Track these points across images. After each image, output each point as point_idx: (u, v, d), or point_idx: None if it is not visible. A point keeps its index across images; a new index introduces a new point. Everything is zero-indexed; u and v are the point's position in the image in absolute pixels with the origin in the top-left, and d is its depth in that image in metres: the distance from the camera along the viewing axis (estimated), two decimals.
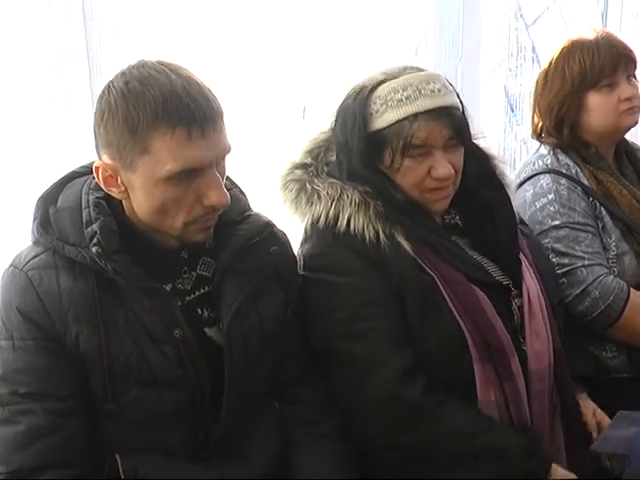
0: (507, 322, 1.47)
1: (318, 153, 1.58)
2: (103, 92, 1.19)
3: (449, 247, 1.49)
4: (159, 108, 1.13)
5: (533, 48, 2.95)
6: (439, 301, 1.43)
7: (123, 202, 1.27)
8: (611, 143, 1.96)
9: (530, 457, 1.40)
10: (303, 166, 1.55)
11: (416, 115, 1.40)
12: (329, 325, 1.46)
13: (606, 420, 1.65)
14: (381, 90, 1.44)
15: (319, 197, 1.47)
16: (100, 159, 1.22)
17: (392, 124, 1.42)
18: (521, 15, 2.94)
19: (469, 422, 1.41)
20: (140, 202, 1.22)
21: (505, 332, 1.44)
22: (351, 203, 1.44)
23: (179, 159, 1.15)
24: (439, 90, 1.42)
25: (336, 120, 1.52)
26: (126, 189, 1.22)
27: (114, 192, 1.24)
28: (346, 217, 1.43)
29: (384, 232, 1.43)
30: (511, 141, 3.04)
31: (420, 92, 1.41)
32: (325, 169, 1.55)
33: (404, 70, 1.46)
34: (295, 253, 1.52)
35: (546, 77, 1.94)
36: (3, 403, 1.20)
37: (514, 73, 2.98)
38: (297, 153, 1.59)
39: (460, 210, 1.59)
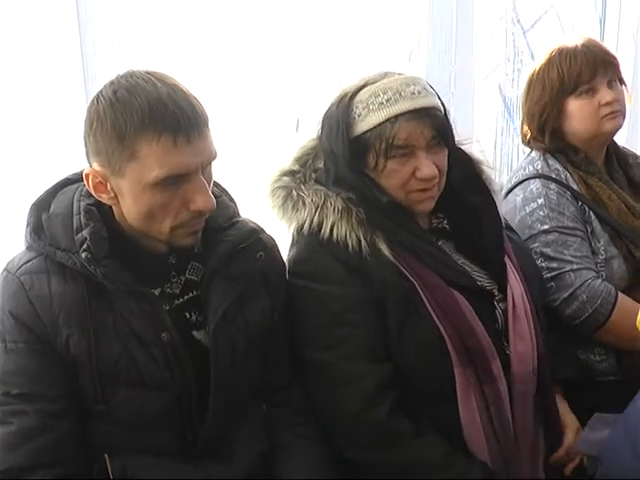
0: (490, 326, 1.49)
1: (306, 160, 1.60)
2: (92, 102, 1.22)
3: (432, 252, 1.50)
4: (145, 115, 1.16)
5: (531, 53, 2.96)
6: (419, 306, 1.45)
7: (113, 208, 1.30)
8: (599, 147, 1.98)
9: None
10: (291, 173, 1.58)
11: (397, 117, 1.43)
12: (308, 331, 1.49)
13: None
14: (362, 95, 1.47)
15: (304, 204, 1.49)
16: (90, 166, 1.25)
17: (374, 127, 1.44)
18: (518, 20, 2.95)
19: (431, 454, 1.43)
20: (129, 207, 1.25)
21: (486, 336, 1.46)
22: (334, 210, 1.46)
23: (165, 165, 1.18)
24: (419, 92, 1.45)
25: (322, 128, 1.55)
26: (115, 195, 1.25)
27: (104, 198, 1.27)
28: (329, 225, 1.46)
29: (365, 239, 1.45)
30: (508, 146, 3.05)
31: (400, 94, 1.43)
32: (313, 176, 1.57)
33: (385, 75, 1.49)
34: (283, 259, 1.55)
35: (529, 85, 1.97)
36: None
37: (511, 78, 2.98)
38: (286, 160, 1.61)
39: (448, 214, 1.61)
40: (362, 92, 1.47)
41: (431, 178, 1.46)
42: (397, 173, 1.47)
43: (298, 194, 1.51)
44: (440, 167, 1.48)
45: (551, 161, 1.94)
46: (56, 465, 1.23)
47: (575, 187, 1.90)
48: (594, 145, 1.96)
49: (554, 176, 1.90)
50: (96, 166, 1.24)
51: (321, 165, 1.58)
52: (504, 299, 1.54)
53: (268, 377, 1.49)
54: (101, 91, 1.22)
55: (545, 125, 1.93)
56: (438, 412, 1.46)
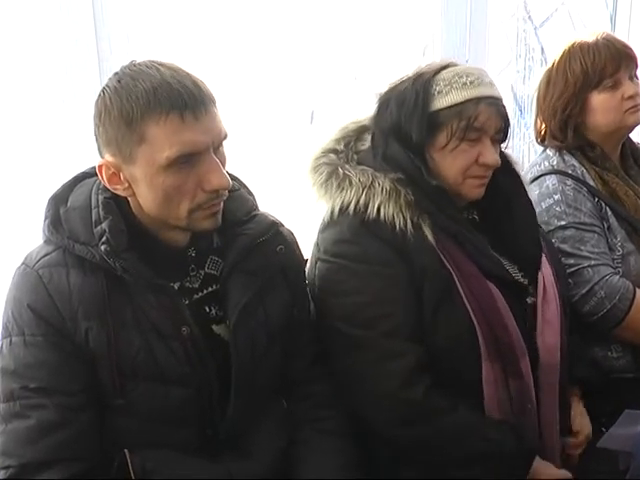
0: (520, 321, 1.49)
1: (349, 141, 1.61)
2: (99, 95, 1.23)
3: (472, 240, 1.50)
4: (151, 96, 1.16)
5: (542, 50, 2.95)
6: (454, 296, 1.45)
7: (130, 200, 1.29)
8: (616, 143, 1.97)
9: (514, 459, 1.44)
10: (334, 151, 1.58)
11: (479, 99, 1.46)
12: (349, 308, 1.47)
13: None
14: (445, 74, 1.49)
15: (350, 183, 1.49)
16: (103, 159, 1.25)
17: (455, 104, 1.46)
18: (529, 17, 2.94)
19: (463, 425, 1.44)
20: (145, 195, 1.24)
21: (517, 330, 1.46)
22: (382, 191, 1.46)
23: (175, 144, 1.18)
24: (493, 85, 1.50)
25: (383, 105, 1.54)
26: (130, 185, 1.25)
27: (119, 190, 1.26)
28: (376, 205, 1.45)
29: (412, 221, 1.45)
30: (519, 143, 3.04)
31: (482, 80, 1.48)
32: (355, 157, 1.57)
33: (460, 63, 1.53)
34: (302, 253, 1.54)
35: (548, 81, 1.96)
36: (14, 397, 1.22)
37: (522, 75, 2.98)
38: (325, 140, 1.61)
39: (477, 207, 1.62)
40: (444, 72, 1.49)
41: (493, 165, 1.49)
42: (464, 154, 1.48)
43: (344, 172, 1.51)
44: (499, 160, 1.51)
45: (567, 157, 1.94)
46: (75, 459, 1.22)
47: (592, 183, 1.90)
48: (614, 140, 1.95)
49: (570, 172, 1.90)
50: (108, 157, 1.23)
51: (363, 148, 1.58)
52: (533, 292, 1.54)
53: (288, 371, 1.48)
54: (106, 84, 1.23)
55: (568, 120, 1.92)
56: (462, 402, 1.46)
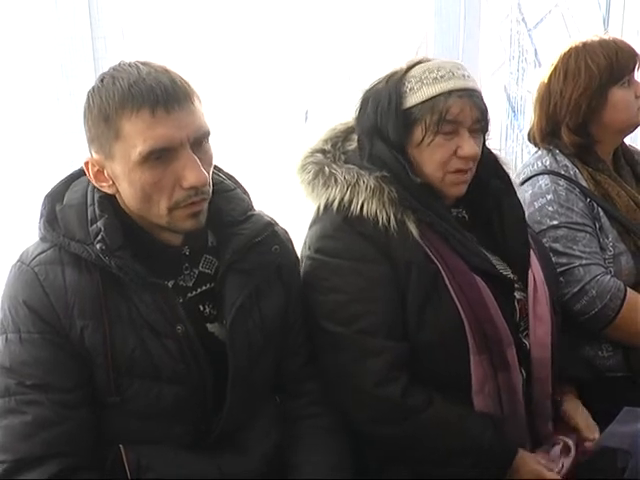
0: (508, 315, 1.50)
1: (336, 142, 1.63)
2: (86, 96, 1.25)
3: (458, 236, 1.52)
4: (125, 93, 1.18)
5: (535, 52, 2.97)
6: (441, 290, 1.46)
7: (117, 198, 1.30)
8: (619, 141, 2.00)
9: (494, 454, 1.45)
10: (322, 151, 1.60)
11: (450, 92, 1.47)
12: (328, 306, 1.49)
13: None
14: (415, 70, 1.50)
15: (336, 181, 1.51)
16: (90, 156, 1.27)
17: (427, 99, 1.47)
18: (523, 19, 2.96)
19: (439, 422, 1.45)
20: (125, 192, 1.26)
21: (504, 323, 1.48)
22: (366, 188, 1.48)
23: (147, 139, 1.18)
24: (468, 76, 1.51)
25: (363, 105, 1.56)
26: (113, 182, 1.26)
27: (105, 187, 1.28)
28: (360, 202, 1.47)
29: (395, 217, 1.46)
30: (512, 144, 3.06)
31: (453, 74, 1.48)
32: (343, 157, 1.59)
33: (434, 58, 1.54)
34: (297, 252, 1.55)
35: (561, 79, 1.93)
36: (10, 393, 1.22)
37: (515, 76, 2.99)
38: (314, 140, 1.63)
39: (466, 205, 1.63)
40: (415, 68, 1.51)
41: (472, 157, 1.50)
42: (441, 148, 1.49)
43: (330, 171, 1.53)
44: (478, 150, 1.52)
45: (560, 157, 1.94)
46: (70, 455, 1.23)
47: (584, 183, 1.91)
48: (620, 137, 1.98)
49: (563, 172, 1.91)
50: (93, 154, 1.26)
51: (351, 148, 1.60)
52: (522, 288, 1.56)
53: (283, 369, 1.49)
54: (93, 85, 1.25)
55: (590, 115, 1.91)
56: (450, 397, 1.47)
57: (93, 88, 1.23)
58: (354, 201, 1.47)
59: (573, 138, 1.92)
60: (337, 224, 1.50)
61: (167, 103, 1.18)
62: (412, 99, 1.48)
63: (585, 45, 1.92)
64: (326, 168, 1.53)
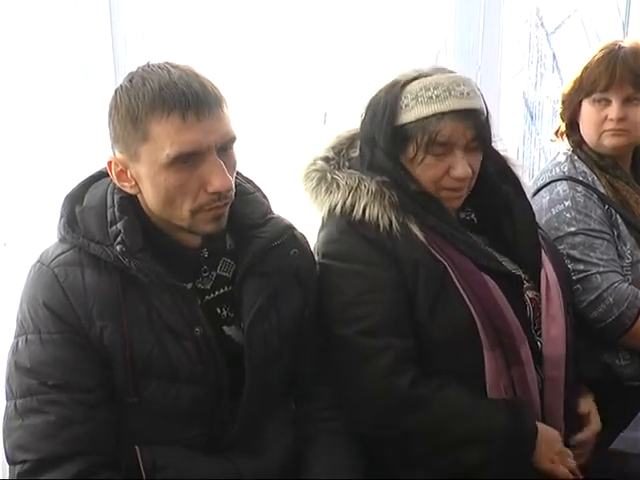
0: (519, 312, 1.50)
1: (340, 149, 1.64)
2: (112, 95, 1.25)
3: (461, 237, 1.52)
4: (156, 95, 1.18)
5: (554, 56, 2.95)
6: (450, 288, 1.47)
7: (139, 199, 1.31)
8: (623, 154, 1.96)
9: (511, 437, 1.43)
10: (325, 159, 1.61)
11: (443, 114, 1.45)
12: (332, 308, 1.50)
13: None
14: (413, 86, 1.49)
15: (338, 186, 1.53)
16: (113, 155, 1.27)
17: (419, 119, 1.47)
18: (542, 24, 2.94)
19: (453, 409, 1.44)
20: (149, 193, 1.26)
21: (515, 320, 1.48)
22: (368, 192, 1.49)
23: (176, 143, 1.19)
24: (468, 93, 1.47)
25: (366, 113, 1.57)
26: (136, 183, 1.27)
27: (127, 187, 1.28)
28: (362, 206, 1.48)
29: (397, 220, 1.47)
30: (530, 149, 3.04)
31: (450, 93, 1.46)
32: (347, 164, 1.60)
33: (437, 70, 1.52)
34: (314, 255, 1.56)
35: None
36: (32, 392, 1.23)
37: (534, 82, 2.98)
38: (320, 148, 1.64)
39: (475, 208, 1.63)
40: (414, 83, 1.49)
41: (464, 178, 1.49)
42: (433, 168, 1.49)
43: (332, 177, 1.54)
44: (474, 168, 1.51)
45: (578, 164, 1.94)
46: (92, 454, 1.23)
47: (602, 190, 1.90)
48: (625, 149, 1.95)
49: (581, 179, 1.90)
50: (117, 154, 1.26)
51: (355, 154, 1.61)
52: (534, 287, 1.56)
53: (298, 372, 1.50)
54: (120, 83, 1.25)
55: (575, 121, 1.94)
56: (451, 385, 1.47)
57: (121, 87, 1.23)
58: (356, 205, 1.49)
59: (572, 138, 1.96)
60: (342, 227, 1.51)
61: (198, 109, 1.19)
62: (406, 116, 1.48)
63: (599, 49, 1.91)
64: (328, 175, 1.55)
